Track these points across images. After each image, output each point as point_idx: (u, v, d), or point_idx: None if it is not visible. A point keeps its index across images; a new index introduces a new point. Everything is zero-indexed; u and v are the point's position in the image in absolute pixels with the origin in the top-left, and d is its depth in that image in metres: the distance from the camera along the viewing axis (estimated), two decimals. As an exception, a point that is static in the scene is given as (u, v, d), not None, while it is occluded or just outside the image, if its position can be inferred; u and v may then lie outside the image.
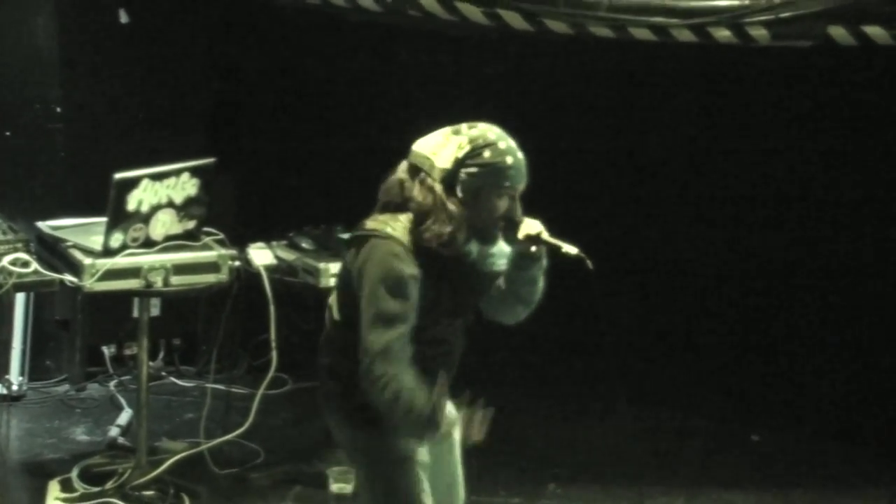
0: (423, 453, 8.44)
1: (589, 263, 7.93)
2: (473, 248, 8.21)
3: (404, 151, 8.10)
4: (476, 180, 7.93)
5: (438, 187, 7.89)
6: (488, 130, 8.01)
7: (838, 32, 10.43)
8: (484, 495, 10.25)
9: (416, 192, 7.94)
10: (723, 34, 10.44)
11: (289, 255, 10.63)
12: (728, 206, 12.30)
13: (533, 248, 8.00)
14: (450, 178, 7.89)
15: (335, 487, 10.32)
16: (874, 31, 10.45)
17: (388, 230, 7.89)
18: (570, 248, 7.99)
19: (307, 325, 10.34)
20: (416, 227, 7.97)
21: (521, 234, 8.01)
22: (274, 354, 10.43)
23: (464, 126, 7.97)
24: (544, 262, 8.18)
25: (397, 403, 7.98)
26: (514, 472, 10.54)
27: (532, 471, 10.78)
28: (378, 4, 10.71)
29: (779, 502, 11.04)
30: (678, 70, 11.70)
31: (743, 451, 11.59)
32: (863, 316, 11.96)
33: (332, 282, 10.09)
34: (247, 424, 10.58)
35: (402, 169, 7.95)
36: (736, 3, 10.48)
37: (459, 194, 7.90)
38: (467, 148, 7.87)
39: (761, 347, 12.21)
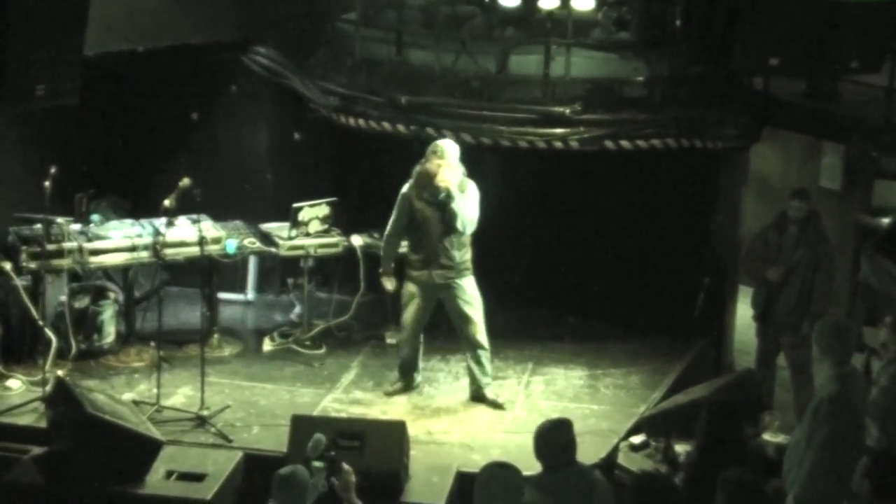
0: (413, 289, 9.57)
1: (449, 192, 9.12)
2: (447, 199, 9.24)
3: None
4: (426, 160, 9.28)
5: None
6: (438, 140, 9.52)
7: (608, 144, 10.58)
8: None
9: None
10: (558, 143, 10.53)
11: (368, 240, 10.75)
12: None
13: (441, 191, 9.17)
14: None
15: (389, 340, 10.77)
16: (624, 143, 10.56)
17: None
18: (450, 186, 9.20)
19: (376, 270, 10.37)
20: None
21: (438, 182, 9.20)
22: (362, 283, 10.71)
23: None
24: (450, 200, 9.19)
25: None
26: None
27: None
28: (407, 130, 10.74)
29: (580, 351, 10.88)
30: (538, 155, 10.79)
31: (564, 330, 11.29)
32: (637, 257, 11.23)
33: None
34: (349, 314, 10.88)
35: None
36: (565, 130, 10.54)
37: None
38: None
39: (575, 269, 11.34)
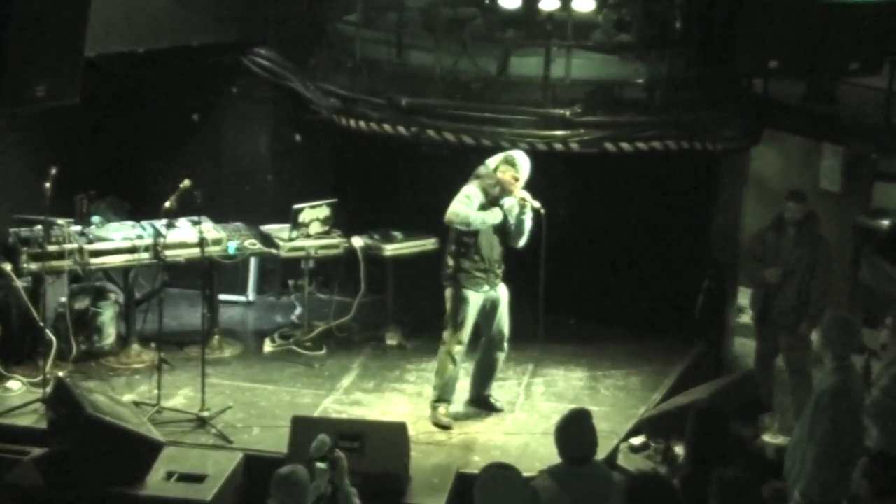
0: (476, 299, 9.22)
1: (542, 211, 9.09)
2: (505, 202, 9.23)
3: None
4: (497, 168, 9.18)
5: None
6: (510, 151, 9.45)
7: (609, 146, 10.51)
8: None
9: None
10: (558, 145, 10.47)
11: (369, 241, 10.82)
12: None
13: (517, 199, 9.13)
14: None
15: (389, 342, 10.89)
16: (624, 145, 10.52)
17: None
18: (533, 203, 9.13)
19: (377, 272, 10.86)
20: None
21: (517, 196, 9.15)
22: (363, 285, 10.77)
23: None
24: (524, 215, 9.16)
25: (453, 216, 9.16)
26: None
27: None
28: (407, 132, 10.65)
29: (580, 353, 10.90)
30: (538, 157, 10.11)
31: (564, 331, 11.15)
32: (637, 259, 11.28)
33: (389, 254, 10.63)
34: (350, 315, 10.92)
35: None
36: (565, 132, 10.46)
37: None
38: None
39: (575, 271, 11.22)
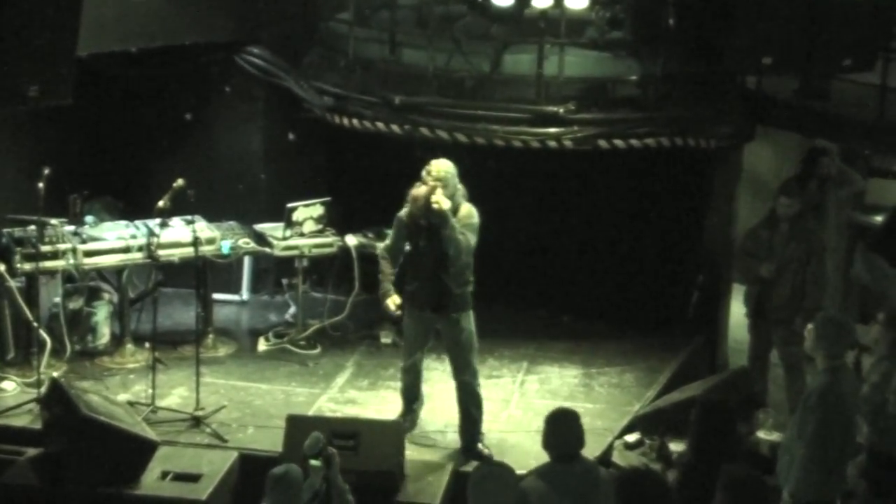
0: (412, 319, 8.95)
1: (440, 208, 8.42)
2: (442, 222, 8.54)
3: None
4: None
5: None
6: (433, 160, 8.72)
7: (602, 143, 10.48)
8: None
9: None
10: (552, 142, 10.42)
11: (363, 240, 10.86)
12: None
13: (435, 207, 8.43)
14: None
15: (383, 340, 10.91)
16: (618, 142, 10.47)
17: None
18: (438, 203, 8.45)
19: (371, 270, 10.41)
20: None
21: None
22: (357, 283, 10.78)
23: None
24: (446, 229, 8.44)
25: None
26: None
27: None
28: (401, 130, 10.65)
29: (575, 350, 10.87)
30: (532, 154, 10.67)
31: (559, 328, 11.27)
32: (631, 256, 11.25)
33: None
34: (344, 313, 10.92)
35: None
36: (559, 130, 10.41)
37: None
38: None
39: (570, 269, 11.33)
